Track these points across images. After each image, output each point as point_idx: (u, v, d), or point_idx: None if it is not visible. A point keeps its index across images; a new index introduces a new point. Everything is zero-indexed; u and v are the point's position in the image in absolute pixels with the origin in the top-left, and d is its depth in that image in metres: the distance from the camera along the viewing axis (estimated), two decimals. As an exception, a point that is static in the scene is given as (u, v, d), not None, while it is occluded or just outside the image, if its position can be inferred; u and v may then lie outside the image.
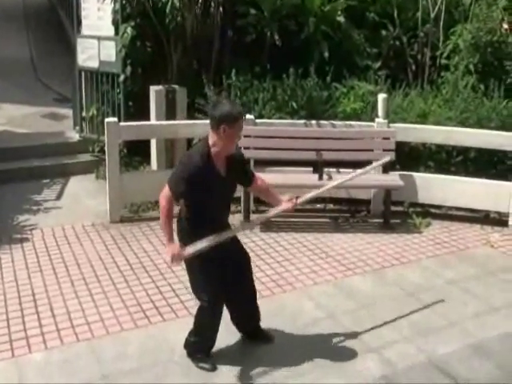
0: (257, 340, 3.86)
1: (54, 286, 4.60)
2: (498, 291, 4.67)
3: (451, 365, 3.73)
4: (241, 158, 3.55)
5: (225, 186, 3.40)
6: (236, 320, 3.82)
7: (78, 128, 7.52)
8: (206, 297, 3.50)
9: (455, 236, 5.71)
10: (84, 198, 6.46)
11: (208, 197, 3.33)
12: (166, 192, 3.30)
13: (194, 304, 4.35)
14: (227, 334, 3.84)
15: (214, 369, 3.63)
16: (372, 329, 4.10)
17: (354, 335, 4.03)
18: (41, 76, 9.63)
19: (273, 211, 3.71)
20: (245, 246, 5.37)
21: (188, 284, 4.62)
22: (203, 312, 3.57)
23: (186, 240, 3.40)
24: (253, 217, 5.87)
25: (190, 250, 3.32)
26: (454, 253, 5.35)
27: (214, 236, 3.36)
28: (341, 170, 5.92)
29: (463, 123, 6.25)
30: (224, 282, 3.55)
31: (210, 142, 3.32)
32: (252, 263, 5.06)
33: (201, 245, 3.33)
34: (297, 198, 3.62)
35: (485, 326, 4.18)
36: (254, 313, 3.82)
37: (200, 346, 3.69)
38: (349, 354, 3.82)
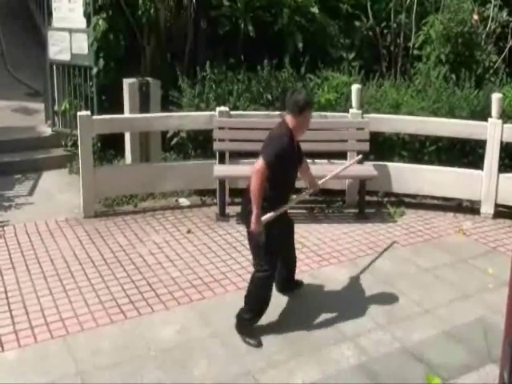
0: (294, 289, 4.39)
1: (27, 283, 4.54)
2: (469, 278, 4.75)
3: (425, 351, 3.79)
4: (298, 141, 4.07)
5: (297, 161, 4.04)
6: (284, 273, 4.25)
7: (50, 122, 7.41)
8: (267, 265, 3.84)
9: (429, 225, 5.79)
10: (57, 193, 6.37)
11: (291, 168, 3.95)
12: (260, 167, 3.70)
13: (170, 298, 4.35)
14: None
15: (259, 345, 3.81)
16: (348, 317, 4.14)
17: (330, 324, 4.07)
18: (11, 69, 9.43)
19: (305, 193, 4.44)
20: (220, 239, 5.43)
21: (163, 278, 4.65)
22: (260, 281, 3.87)
23: (265, 209, 3.78)
24: (228, 209, 5.88)
25: (267, 216, 3.77)
26: (428, 241, 5.43)
27: (285, 204, 3.96)
28: (316, 160, 5.94)
29: (435, 113, 6.32)
30: (283, 243, 4.06)
31: (291, 125, 3.86)
32: (228, 255, 5.11)
33: (275, 212, 3.81)
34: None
35: (457, 312, 4.25)
36: (295, 264, 4.39)
37: (253, 317, 3.91)
38: (325, 343, 3.86)
